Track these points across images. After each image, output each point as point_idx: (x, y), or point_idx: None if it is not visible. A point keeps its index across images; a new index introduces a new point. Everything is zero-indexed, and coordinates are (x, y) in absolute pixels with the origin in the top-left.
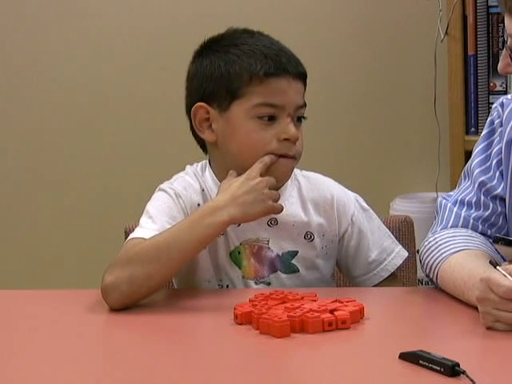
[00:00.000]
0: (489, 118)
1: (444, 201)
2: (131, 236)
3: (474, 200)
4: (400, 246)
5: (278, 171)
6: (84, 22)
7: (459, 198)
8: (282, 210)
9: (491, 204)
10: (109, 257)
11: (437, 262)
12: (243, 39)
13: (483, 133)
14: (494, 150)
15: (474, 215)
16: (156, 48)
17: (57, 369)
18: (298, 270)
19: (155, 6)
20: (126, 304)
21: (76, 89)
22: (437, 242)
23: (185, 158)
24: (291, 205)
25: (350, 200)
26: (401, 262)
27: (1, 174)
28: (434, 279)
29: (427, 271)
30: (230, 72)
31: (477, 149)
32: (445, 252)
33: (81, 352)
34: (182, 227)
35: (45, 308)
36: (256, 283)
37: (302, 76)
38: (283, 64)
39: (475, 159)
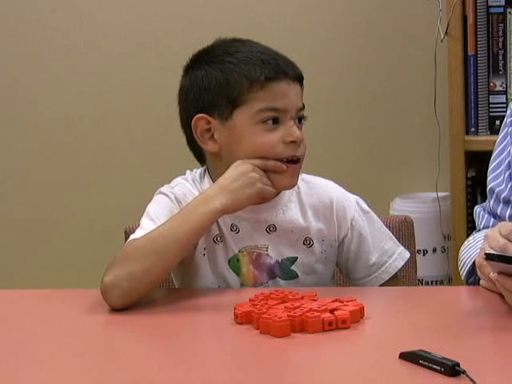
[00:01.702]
0: (505, 119)
1: (479, 209)
2: (132, 237)
3: (488, 209)
4: (402, 248)
5: (286, 178)
6: (84, 23)
7: (486, 206)
8: (274, 193)
9: (499, 209)
10: (109, 257)
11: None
12: (236, 47)
13: (499, 136)
14: (507, 151)
15: (495, 223)
16: (157, 49)
17: (57, 369)
18: (298, 276)
19: (156, 7)
20: (126, 302)
21: (77, 90)
22: (475, 240)
23: (185, 158)
24: (290, 210)
25: (350, 203)
26: (402, 264)
27: (1, 174)
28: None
29: (460, 265)
30: (228, 80)
31: (494, 153)
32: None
33: (81, 352)
34: (176, 219)
35: (45, 308)
36: None
37: (299, 78)
38: (281, 67)
39: (490, 165)
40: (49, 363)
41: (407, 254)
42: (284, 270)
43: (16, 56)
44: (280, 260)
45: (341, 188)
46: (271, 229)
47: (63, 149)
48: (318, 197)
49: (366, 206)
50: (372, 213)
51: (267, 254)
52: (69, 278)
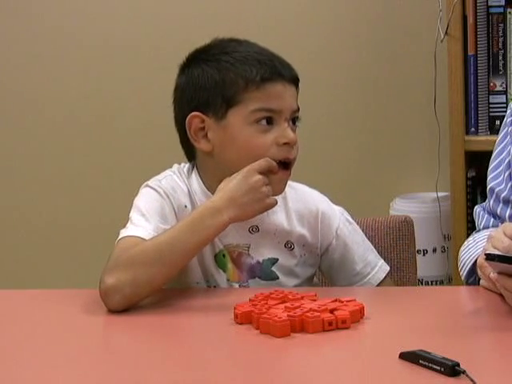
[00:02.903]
0: (505, 119)
1: (478, 209)
2: (124, 234)
3: (488, 209)
4: (382, 261)
5: (275, 184)
6: (84, 22)
7: (486, 206)
8: (277, 203)
9: (499, 209)
10: (108, 257)
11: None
12: (233, 47)
13: (499, 136)
14: (507, 151)
15: (495, 223)
16: (154, 48)
17: (55, 368)
18: (278, 278)
19: (155, 6)
20: (126, 306)
21: (75, 89)
22: (475, 240)
23: (185, 158)
24: (275, 214)
25: (335, 213)
26: (384, 276)
27: (1, 174)
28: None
29: (460, 266)
30: (224, 80)
31: (494, 153)
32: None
33: (80, 352)
34: (183, 228)
35: (44, 308)
36: (240, 286)
37: (295, 80)
38: (278, 68)
39: (490, 165)
40: (48, 363)
41: (387, 267)
42: (264, 271)
43: (15, 56)
44: (261, 260)
45: (326, 198)
46: (254, 229)
47: (62, 148)
48: (304, 204)
49: (350, 218)
50: (356, 225)
51: (248, 254)
52: (69, 278)
